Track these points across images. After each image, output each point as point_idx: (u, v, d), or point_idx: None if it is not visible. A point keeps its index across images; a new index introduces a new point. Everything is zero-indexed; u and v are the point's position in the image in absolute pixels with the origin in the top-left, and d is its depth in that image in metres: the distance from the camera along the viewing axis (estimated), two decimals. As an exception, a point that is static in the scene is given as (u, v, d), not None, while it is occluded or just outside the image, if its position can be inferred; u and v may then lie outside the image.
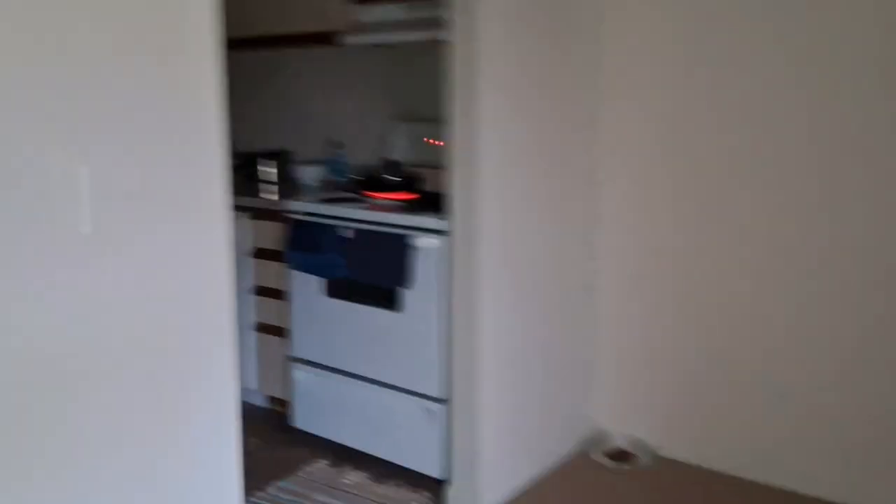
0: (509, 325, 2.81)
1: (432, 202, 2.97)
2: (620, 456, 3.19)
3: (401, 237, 2.81)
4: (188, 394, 1.79)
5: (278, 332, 3.38)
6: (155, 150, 1.68)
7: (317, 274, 3.07)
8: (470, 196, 2.62)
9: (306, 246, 3.05)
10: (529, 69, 2.75)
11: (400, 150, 3.52)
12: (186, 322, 1.77)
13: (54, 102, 1.50)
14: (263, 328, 3.46)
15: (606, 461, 3.15)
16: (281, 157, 3.88)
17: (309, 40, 3.55)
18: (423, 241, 2.77)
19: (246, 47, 3.92)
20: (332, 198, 3.23)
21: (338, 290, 3.07)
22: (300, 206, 3.16)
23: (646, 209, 3.09)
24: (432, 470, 2.93)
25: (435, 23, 2.85)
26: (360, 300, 3.01)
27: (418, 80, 3.58)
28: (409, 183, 3.22)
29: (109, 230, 1.60)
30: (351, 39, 3.24)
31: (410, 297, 2.86)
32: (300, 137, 4.07)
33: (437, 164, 2.96)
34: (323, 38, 3.44)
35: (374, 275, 2.88)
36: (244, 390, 3.65)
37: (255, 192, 3.53)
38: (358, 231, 2.93)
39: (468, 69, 2.56)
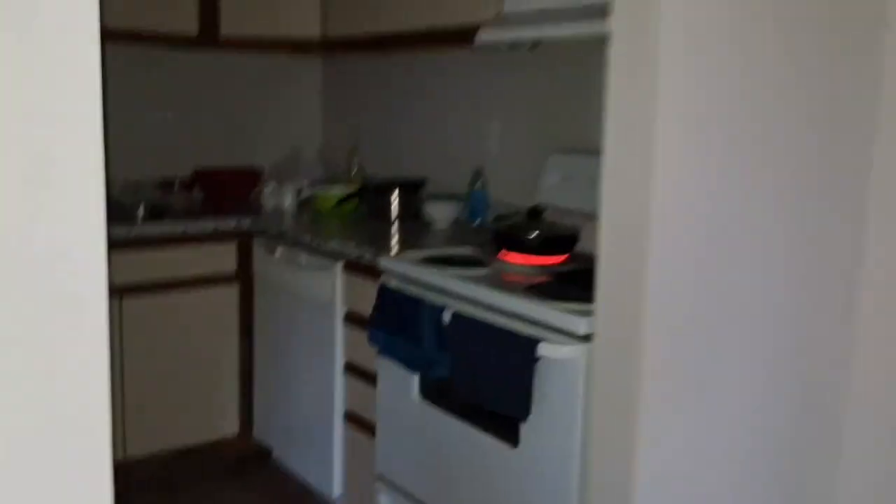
0: (690, 489, 1.67)
1: (585, 276, 1.90)
2: None
3: (517, 339, 1.76)
4: None
5: (372, 429, 2.44)
6: None
7: (406, 366, 2.09)
8: (629, 278, 1.53)
9: (394, 323, 2.09)
10: (757, 80, 1.62)
11: (555, 191, 2.47)
12: None
13: None
14: (355, 420, 2.54)
15: None
16: (407, 189, 2.97)
17: (438, 39, 2.62)
18: (554, 349, 1.70)
19: (370, 48, 3.06)
20: (444, 256, 2.24)
21: (434, 392, 2.08)
22: (391, 265, 2.21)
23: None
24: None
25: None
26: (461, 415, 2.00)
27: (589, 96, 2.51)
28: (557, 242, 2.17)
29: None
30: (487, 36, 2.24)
31: (532, 428, 1.81)
32: (439, 164, 3.14)
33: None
34: (457, 37, 2.48)
35: (473, 389, 1.85)
36: (327, 497, 2.74)
37: (362, 236, 2.64)
38: (457, 317, 1.92)
39: (635, 77, 1.49)
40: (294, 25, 3.23)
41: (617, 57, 1.54)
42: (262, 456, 3.04)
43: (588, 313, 1.66)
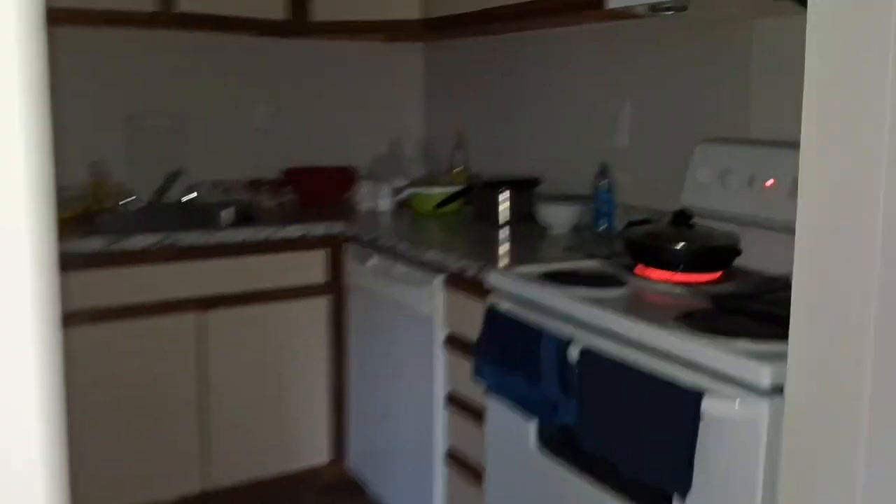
0: None
1: (755, 302, 1.46)
2: None
3: (674, 389, 1.33)
4: None
5: (479, 475, 2.05)
6: None
7: (520, 408, 1.70)
8: (839, 315, 1.09)
9: (506, 356, 1.69)
10: None
11: (705, 191, 2.01)
12: None
13: None
14: (458, 462, 2.16)
15: None
16: (520, 188, 2.58)
17: (558, 8, 2.20)
18: (725, 406, 1.26)
19: (477, 26, 2.65)
20: (567, 271, 1.83)
21: (557, 441, 1.68)
22: (501, 282, 1.81)
23: None
24: None
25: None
26: (592, 474, 1.58)
27: (749, 71, 2.04)
28: (713, 255, 1.73)
29: None
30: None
31: (691, 502, 1.38)
32: (557, 159, 2.72)
33: (778, 226, 1.47)
34: (582, 3, 2.07)
35: (609, 449, 1.44)
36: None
37: (466, 244, 2.26)
38: (589, 354, 1.50)
39: (840, 47, 1.04)
40: (391, 7, 2.88)
41: (819, 18, 1.09)
42: (356, 489, 2.71)
43: (773, 357, 1.22)
